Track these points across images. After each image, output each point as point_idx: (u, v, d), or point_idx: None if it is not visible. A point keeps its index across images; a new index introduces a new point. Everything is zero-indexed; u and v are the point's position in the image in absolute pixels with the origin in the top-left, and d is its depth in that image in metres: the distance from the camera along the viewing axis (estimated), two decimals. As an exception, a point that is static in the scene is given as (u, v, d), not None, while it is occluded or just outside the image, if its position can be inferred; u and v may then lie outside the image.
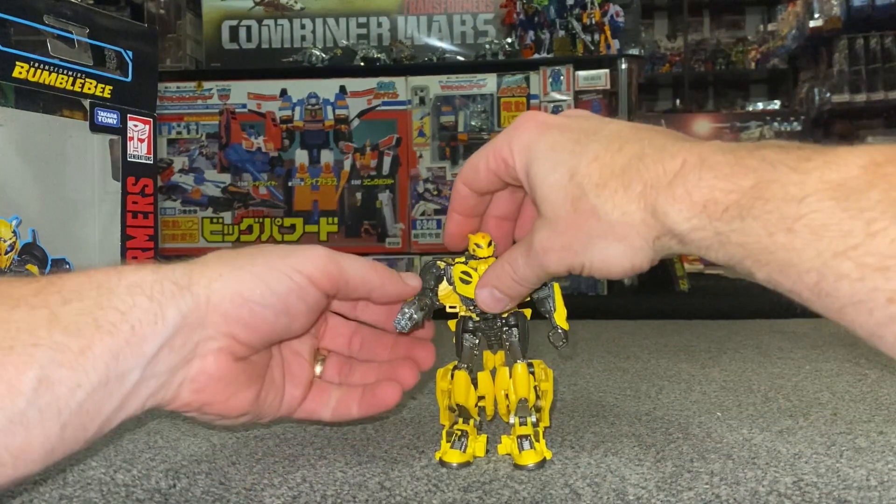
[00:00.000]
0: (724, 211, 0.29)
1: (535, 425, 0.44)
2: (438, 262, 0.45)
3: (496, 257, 0.44)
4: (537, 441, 0.43)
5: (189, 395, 0.32)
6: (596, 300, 1.64)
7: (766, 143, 0.30)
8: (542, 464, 0.42)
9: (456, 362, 0.45)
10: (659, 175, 0.31)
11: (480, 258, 0.44)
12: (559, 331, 0.45)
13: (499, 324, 0.45)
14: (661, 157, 0.32)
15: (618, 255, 0.34)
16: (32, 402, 0.23)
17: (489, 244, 0.44)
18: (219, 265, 0.32)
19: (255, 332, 0.33)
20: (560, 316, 0.45)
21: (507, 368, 0.45)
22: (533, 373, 0.44)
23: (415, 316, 0.44)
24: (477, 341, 0.45)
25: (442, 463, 0.43)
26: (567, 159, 0.35)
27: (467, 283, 0.44)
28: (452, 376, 0.45)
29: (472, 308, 0.44)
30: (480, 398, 0.46)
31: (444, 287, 0.45)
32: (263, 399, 0.38)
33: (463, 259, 0.45)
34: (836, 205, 0.25)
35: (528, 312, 0.46)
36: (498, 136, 0.40)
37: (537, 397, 0.45)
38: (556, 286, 0.45)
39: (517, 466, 0.42)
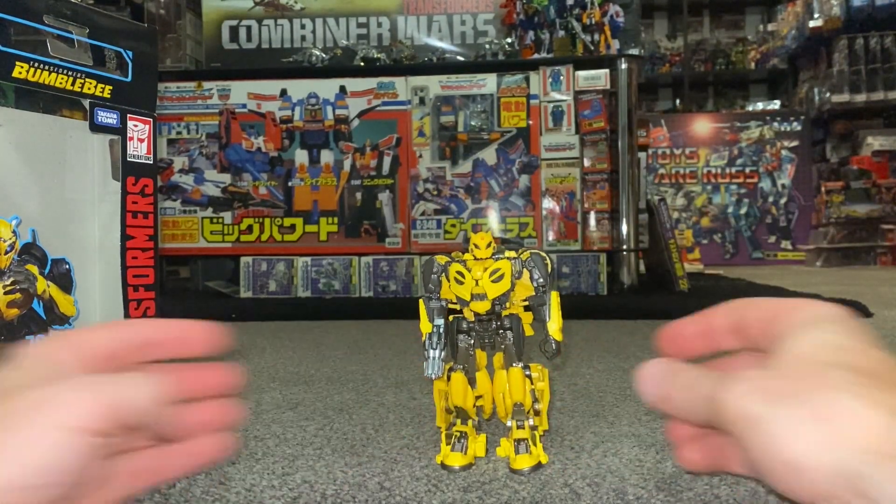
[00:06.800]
0: None
1: (534, 429, 0.44)
2: (438, 258, 0.45)
3: (495, 259, 0.44)
4: (534, 445, 0.43)
5: None
6: (596, 300, 1.64)
7: None
8: (537, 468, 0.42)
9: (451, 363, 0.45)
10: None
11: (477, 259, 0.44)
12: (552, 342, 0.44)
13: (493, 326, 0.44)
14: None
15: (811, 436, 0.26)
16: None
17: (488, 245, 0.43)
18: None
19: None
20: (554, 326, 0.44)
21: (504, 372, 0.44)
22: (529, 376, 0.44)
23: (443, 361, 0.44)
24: (472, 341, 0.45)
25: (444, 466, 0.43)
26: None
27: (460, 283, 0.43)
28: (449, 378, 0.45)
29: (465, 307, 0.44)
30: (478, 398, 0.46)
31: (444, 282, 0.45)
32: None
33: (463, 258, 0.44)
34: None
35: (526, 315, 0.46)
36: None
37: (535, 400, 0.45)
38: (555, 294, 0.45)
39: (513, 471, 0.42)
